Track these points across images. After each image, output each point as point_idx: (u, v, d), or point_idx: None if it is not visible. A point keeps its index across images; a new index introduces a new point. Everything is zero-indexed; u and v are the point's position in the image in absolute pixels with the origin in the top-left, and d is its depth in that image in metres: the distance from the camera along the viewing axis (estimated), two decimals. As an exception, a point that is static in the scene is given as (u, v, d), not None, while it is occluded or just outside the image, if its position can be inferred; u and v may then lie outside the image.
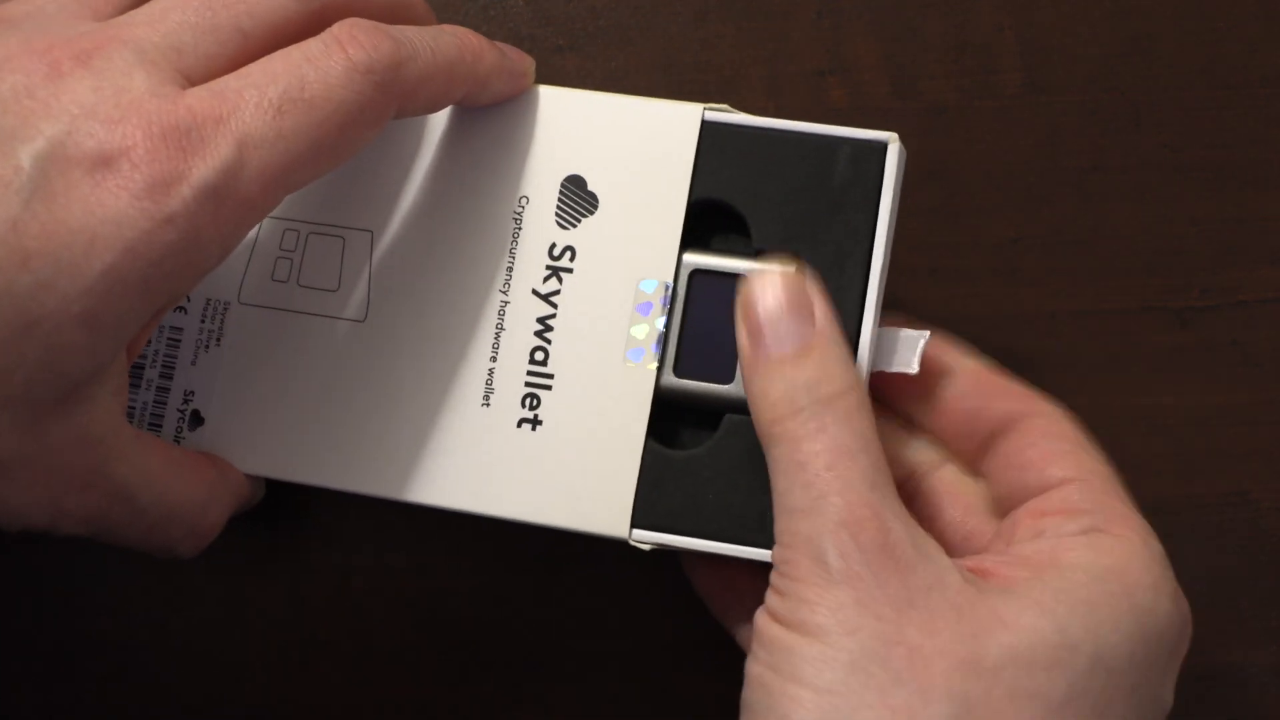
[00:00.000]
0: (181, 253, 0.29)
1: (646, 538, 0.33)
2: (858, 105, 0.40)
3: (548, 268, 0.34)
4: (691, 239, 0.34)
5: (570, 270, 0.34)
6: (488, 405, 0.34)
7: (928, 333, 0.33)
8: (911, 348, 0.33)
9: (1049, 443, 0.33)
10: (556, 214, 0.34)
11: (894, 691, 0.28)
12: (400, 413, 0.34)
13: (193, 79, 0.30)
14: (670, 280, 0.34)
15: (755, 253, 0.34)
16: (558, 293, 0.34)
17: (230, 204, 0.29)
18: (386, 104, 0.31)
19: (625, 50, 0.40)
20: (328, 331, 0.35)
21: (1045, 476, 0.33)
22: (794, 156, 0.34)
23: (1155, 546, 0.31)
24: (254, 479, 0.36)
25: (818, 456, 0.30)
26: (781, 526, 0.30)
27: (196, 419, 0.35)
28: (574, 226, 0.34)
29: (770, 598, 0.30)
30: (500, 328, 0.34)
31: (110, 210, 0.28)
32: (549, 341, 0.34)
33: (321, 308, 0.35)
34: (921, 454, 0.35)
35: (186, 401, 0.35)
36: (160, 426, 0.35)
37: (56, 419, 0.29)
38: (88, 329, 0.28)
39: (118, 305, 0.29)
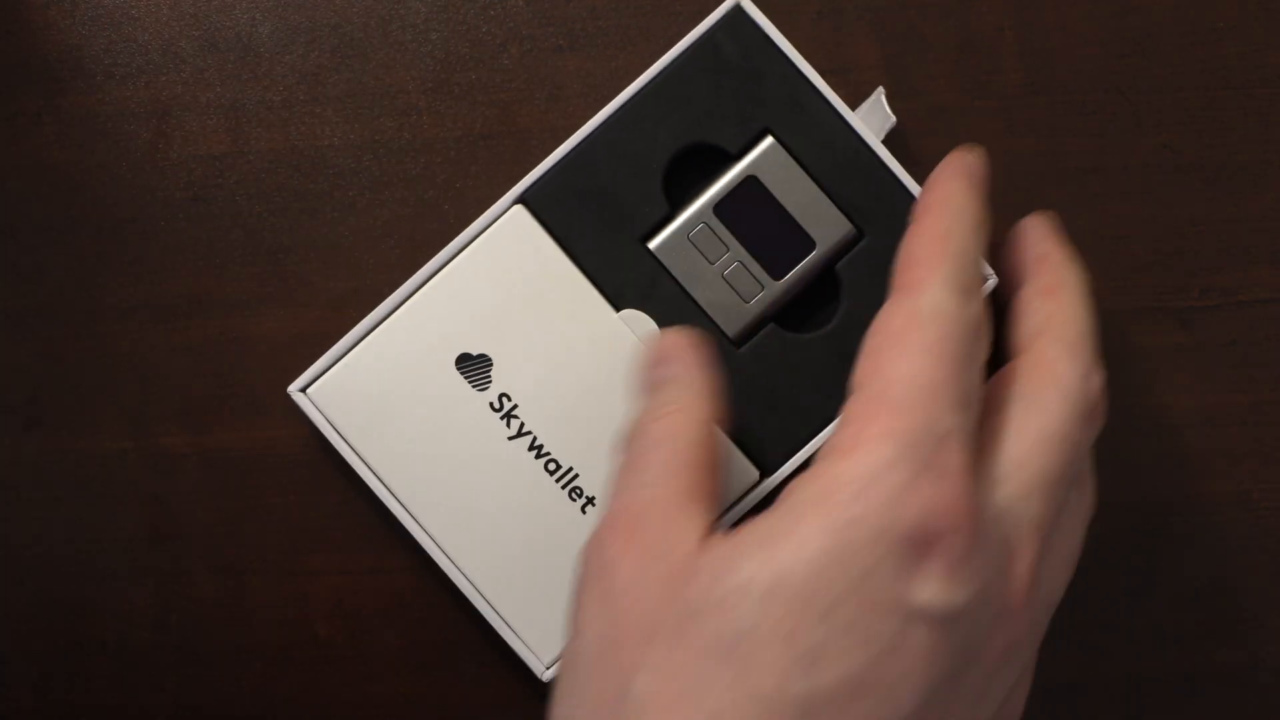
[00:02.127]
0: None
1: None
2: (858, 105, 0.40)
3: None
4: (676, 195, 0.38)
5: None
6: None
7: (880, 88, 0.38)
8: (877, 110, 0.38)
9: (878, 336, 0.32)
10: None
11: (608, 681, 0.29)
12: None
13: None
14: None
15: (738, 155, 0.37)
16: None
17: None
18: None
19: (625, 50, 0.40)
20: None
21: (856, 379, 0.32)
22: (695, 78, 0.37)
23: (887, 448, 0.29)
24: None
25: (621, 468, 0.32)
26: None
27: None
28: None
29: None
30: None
31: None
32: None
33: None
34: None
35: None
36: None
37: None
38: None
39: None
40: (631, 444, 0.32)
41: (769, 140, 0.37)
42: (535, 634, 0.37)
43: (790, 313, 0.38)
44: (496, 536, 0.37)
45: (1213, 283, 0.40)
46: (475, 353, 0.37)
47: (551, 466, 0.37)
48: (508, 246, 0.37)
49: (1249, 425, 0.40)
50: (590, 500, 0.37)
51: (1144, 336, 0.40)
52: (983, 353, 0.32)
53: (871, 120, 0.38)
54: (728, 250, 0.37)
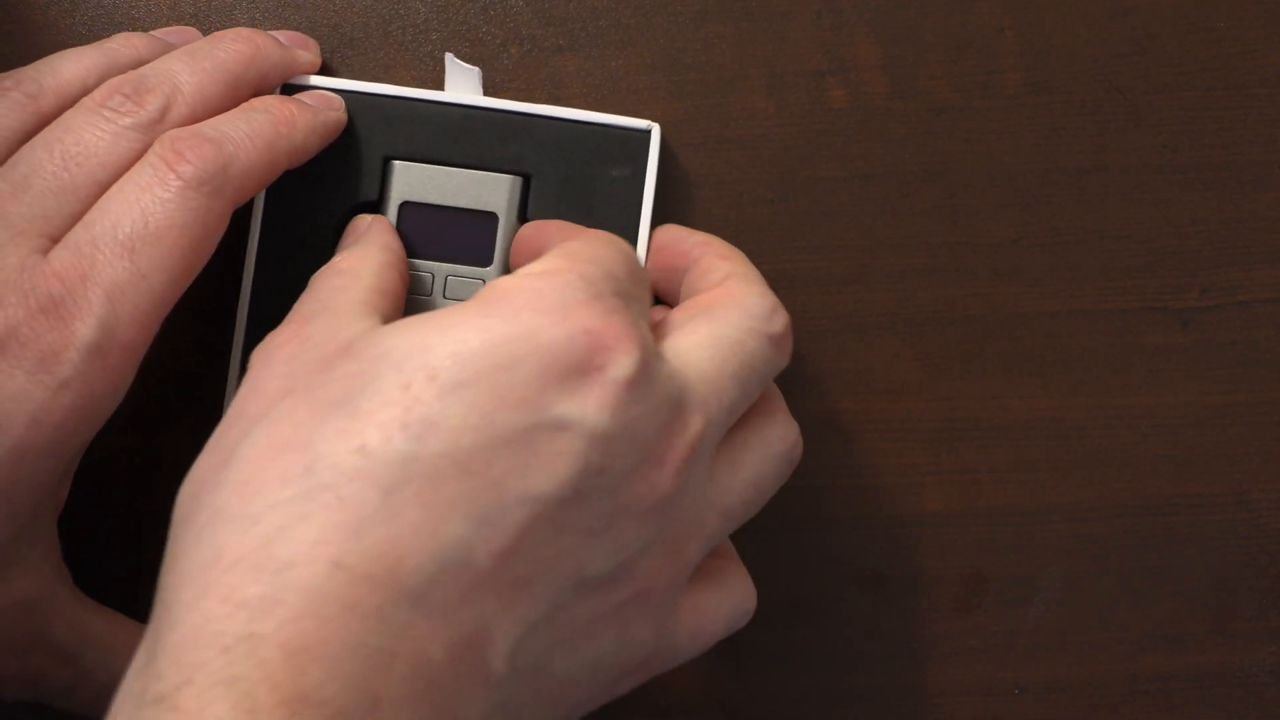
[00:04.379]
0: (80, 410, 0.31)
1: None
2: (858, 105, 0.40)
3: None
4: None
5: None
6: None
7: (448, 54, 0.38)
8: (459, 73, 0.38)
9: (562, 230, 0.35)
10: None
11: (234, 427, 0.29)
12: None
13: (57, 238, 0.32)
14: None
15: (381, 195, 0.38)
16: None
17: (114, 353, 0.31)
18: (224, 207, 0.33)
19: (625, 50, 0.40)
20: None
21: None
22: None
23: (562, 275, 0.30)
24: None
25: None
26: None
27: None
28: None
29: None
30: None
31: (8, 390, 0.30)
32: None
33: None
34: None
35: None
36: None
37: None
38: (4, 498, 0.30)
39: (29, 472, 0.31)
40: (309, 284, 0.33)
41: (395, 164, 0.37)
42: None
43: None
44: None
45: (1213, 283, 0.40)
46: None
47: None
48: None
49: (1249, 425, 0.40)
50: None
51: (1144, 336, 0.40)
52: (648, 280, 0.33)
53: (462, 85, 0.38)
54: (433, 275, 0.37)
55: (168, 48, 0.36)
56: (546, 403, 0.28)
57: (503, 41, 0.40)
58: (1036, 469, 0.40)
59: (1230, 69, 0.40)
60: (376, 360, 0.28)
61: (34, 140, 0.33)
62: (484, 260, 0.37)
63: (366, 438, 0.27)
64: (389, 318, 0.32)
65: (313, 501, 0.27)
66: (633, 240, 0.37)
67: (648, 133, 0.37)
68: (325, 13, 0.40)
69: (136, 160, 0.33)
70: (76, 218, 0.32)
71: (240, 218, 0.36)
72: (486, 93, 0.38)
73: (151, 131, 0.33)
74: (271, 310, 0.37)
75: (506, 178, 0.37)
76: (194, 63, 0.35)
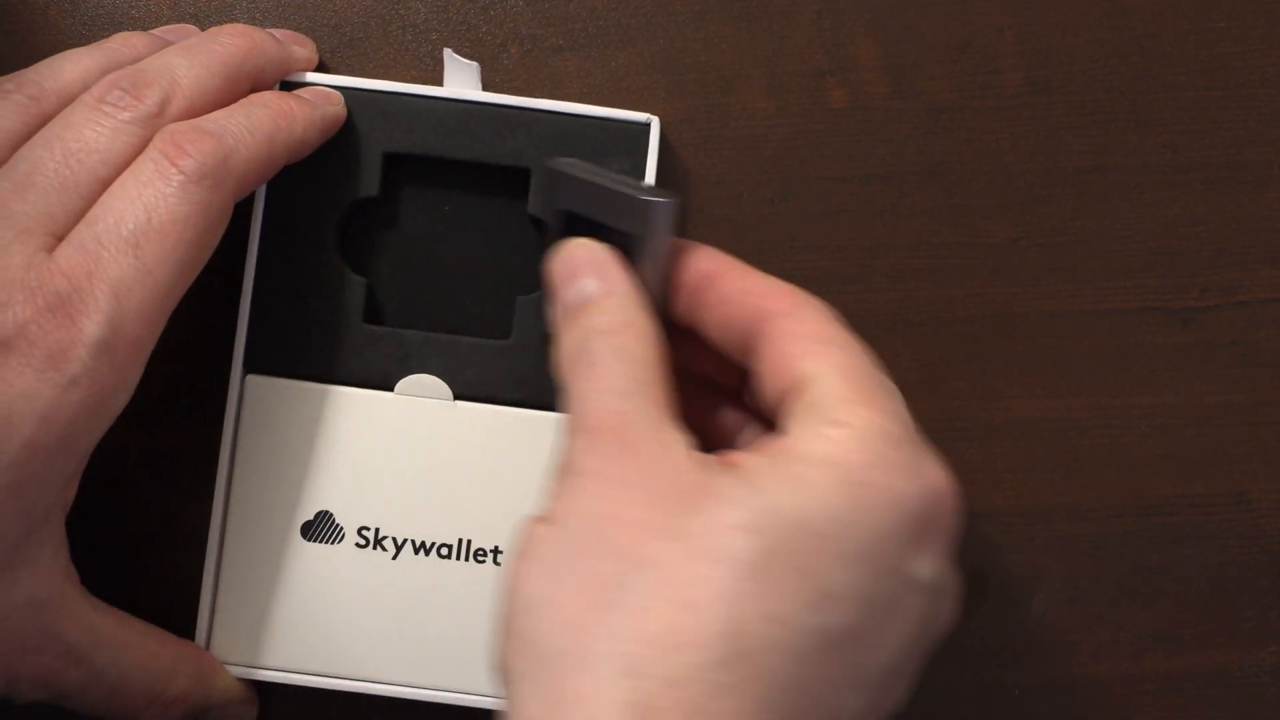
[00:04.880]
0: (90, 408, 0.31)
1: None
2: (858, 105, 0.40)
3: None
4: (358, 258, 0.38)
5: None
6: None
7: (446, 49, 0.38)
8: (458, 69, 0.38)
9: (797, 341, 0.32)
10: None
11: (605, 561, 0.28)
12: None
13: (62, 235, 0.32)
14: None
15: (383, 191, 0.38)
16: None
17: (122, 349, 0.31)
18: (225, 200, 0.33)
19: (625, 50, 0.40)
20: None
21: (796, 372, 0.31)
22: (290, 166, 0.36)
23: (889, 428, 0.30)
24: (245, 692, 0.37)
25: (580, 381, 0.31)
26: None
27: None
28: None
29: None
30: None
31: (18, 388, 0.30)
32: None
33: None
34: (728, 418, 0.36)
35: None
36: None
37: (1, 584, 0.31)
38: (16, 496, 0.31)
39: (41, 469, 0.31)
40: (585, 357, 0.31)
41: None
42: None
43: (533, 275, 0.37)
44: (456, 640, 0.36)
45: (1213, 283, 0.40)
46: (312, 516, 0.37)
47: (445, 551, 0.37)
48: (266, 415, 0.37)
49: (1249, 425, 0.40)
50: (496, 549, 0.37)
51: (1144, 336, 0.40)
52: None
53: (461, 80, 0.38)
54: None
55: (168, 46, 0.36)
56: (908, 564, 0.29)
57: (503, 41, 0.40)
58: (1036, 469, 0.40)
59: (1230, 69, 0.40)
60: (758, 516, 0.28)
61: (34, 138, 0.33)
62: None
63: (777, 607, 0.28)
64: (682, 421, 0.31)
65: (733, 671, 0.27)
66: None
67: (647, 126, 0.37)
68: (325, 13, 0.40)
69: (137, 155, 0.33)
70: (80, 214, 0.32)
71: (242, 215, 0.36)
72: (485, 91, 0.38)
73: (151, 125, 0.33)
74: (273, 307, 0.37)
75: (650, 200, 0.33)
76: (191, 57, 0.34)
